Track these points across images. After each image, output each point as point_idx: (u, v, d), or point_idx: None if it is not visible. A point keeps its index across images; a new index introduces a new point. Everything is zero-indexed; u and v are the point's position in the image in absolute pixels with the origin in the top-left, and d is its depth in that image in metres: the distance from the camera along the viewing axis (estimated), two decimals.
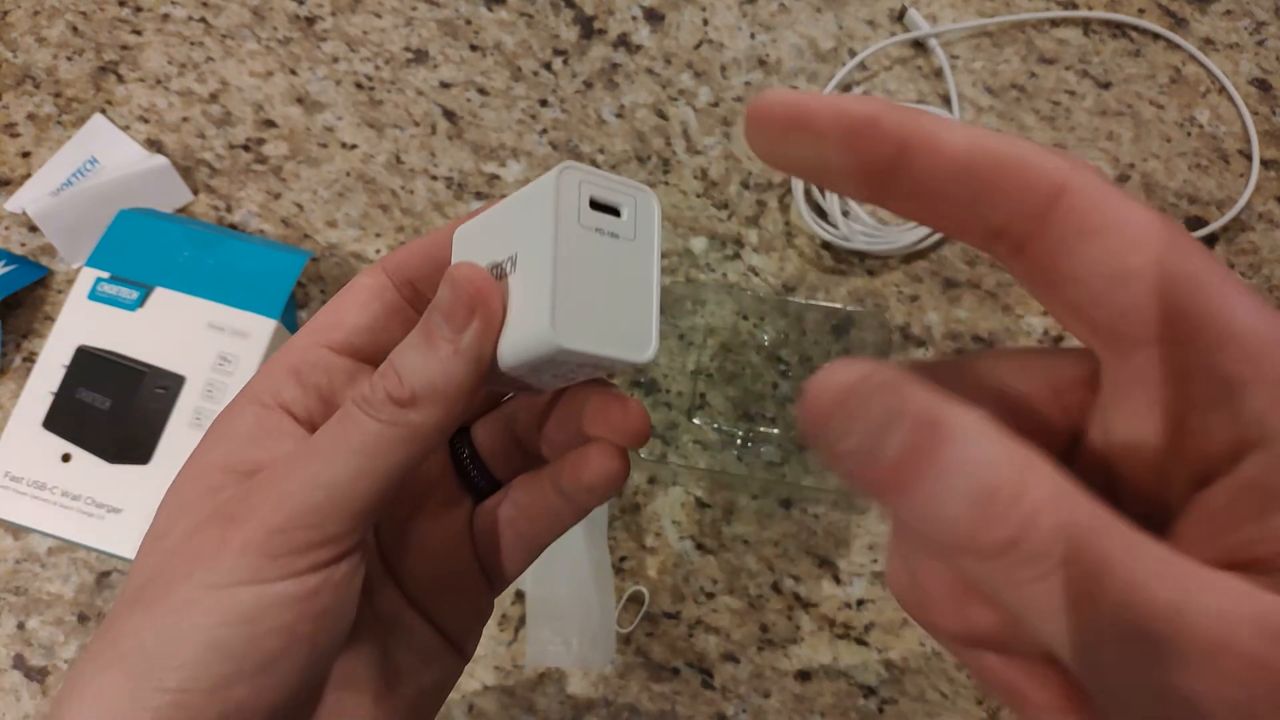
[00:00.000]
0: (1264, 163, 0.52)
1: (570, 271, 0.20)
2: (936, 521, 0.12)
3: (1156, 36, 0.54)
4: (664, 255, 0.51)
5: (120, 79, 0.54)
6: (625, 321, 0.21)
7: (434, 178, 0.53)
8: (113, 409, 0.44)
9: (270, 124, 0.54)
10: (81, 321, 0.45)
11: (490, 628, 0.46)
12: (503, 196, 0.52)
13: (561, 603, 0.44)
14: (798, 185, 0.50)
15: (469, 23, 0.55)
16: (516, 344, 0.20)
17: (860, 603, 0.46)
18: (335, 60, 0.55)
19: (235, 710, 0.19)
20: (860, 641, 0.46)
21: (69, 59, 0.55)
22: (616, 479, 0.24)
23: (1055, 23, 0.55)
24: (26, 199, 0.51)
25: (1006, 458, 0.11)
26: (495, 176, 0.53)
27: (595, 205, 0.21)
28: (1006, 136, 0.14)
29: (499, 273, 0.21)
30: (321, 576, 0.20)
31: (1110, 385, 0.15)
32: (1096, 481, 0.14)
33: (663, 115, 0.53)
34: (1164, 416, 0.14)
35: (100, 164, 0.53)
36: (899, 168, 0.14)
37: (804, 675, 0.46)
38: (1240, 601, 0.11)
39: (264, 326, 0.45)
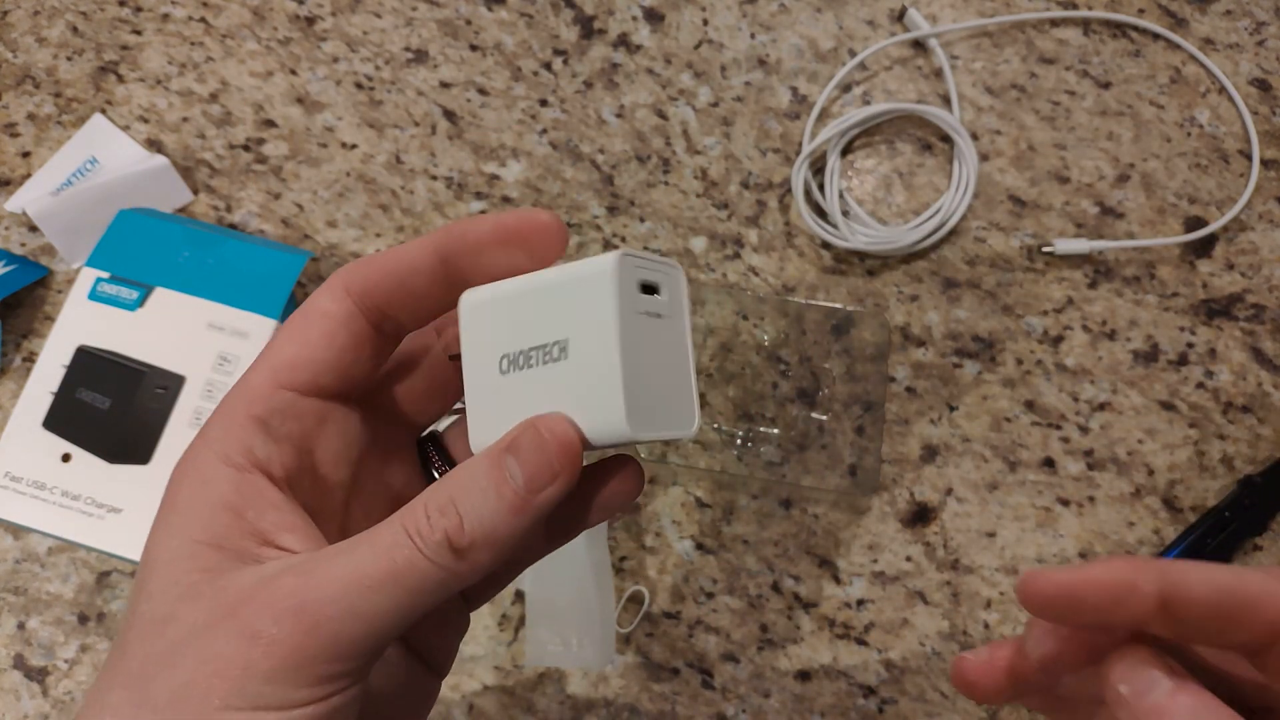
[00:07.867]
0: (1264, 163, 0.52)
1: (632, 361, 0.21)
2: None
3: (1156, 36, 0.54)
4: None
5: (120, 79, 0.54)
6: (674, 400, 0.22)
7: (434, 178, 0.53)
8: (112, 409, 0.44)
9: (270, 124, 0.54)
10: (81, 321, 0.45)
11: (490, 627, 0.46)
12: (508, 204, 0.52)
13: (561, 602, 0.44)
14: (798, 185, 0.50)
15: (469, 23, 0.55)
16: (585, 431, 0.21)
17: (860, 603, 0.46)
18: (335, 60, 0.55)
19: None
20: (860, 641, 0.46)
21: (69, 59, 0.55)
22: (632, 496, 0.24)
23: (1055, 23, 0.55)
24: (26, 199, 0.51)
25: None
26: (495, 177, 0.53)
27: (642, 288, 0.21)
28: (1241, 574, 0.19)
29: (546, 357, 0.22)
30: (346, 695, 0.20)
31: None
32: None
33: (663, 115, 0.53)
34: None
35: (100, 164, 0.53)
36: (1160, 615, 0.19)
37: (804, 675, 0.46)
38: None
39: (264, 326, 0.45)
